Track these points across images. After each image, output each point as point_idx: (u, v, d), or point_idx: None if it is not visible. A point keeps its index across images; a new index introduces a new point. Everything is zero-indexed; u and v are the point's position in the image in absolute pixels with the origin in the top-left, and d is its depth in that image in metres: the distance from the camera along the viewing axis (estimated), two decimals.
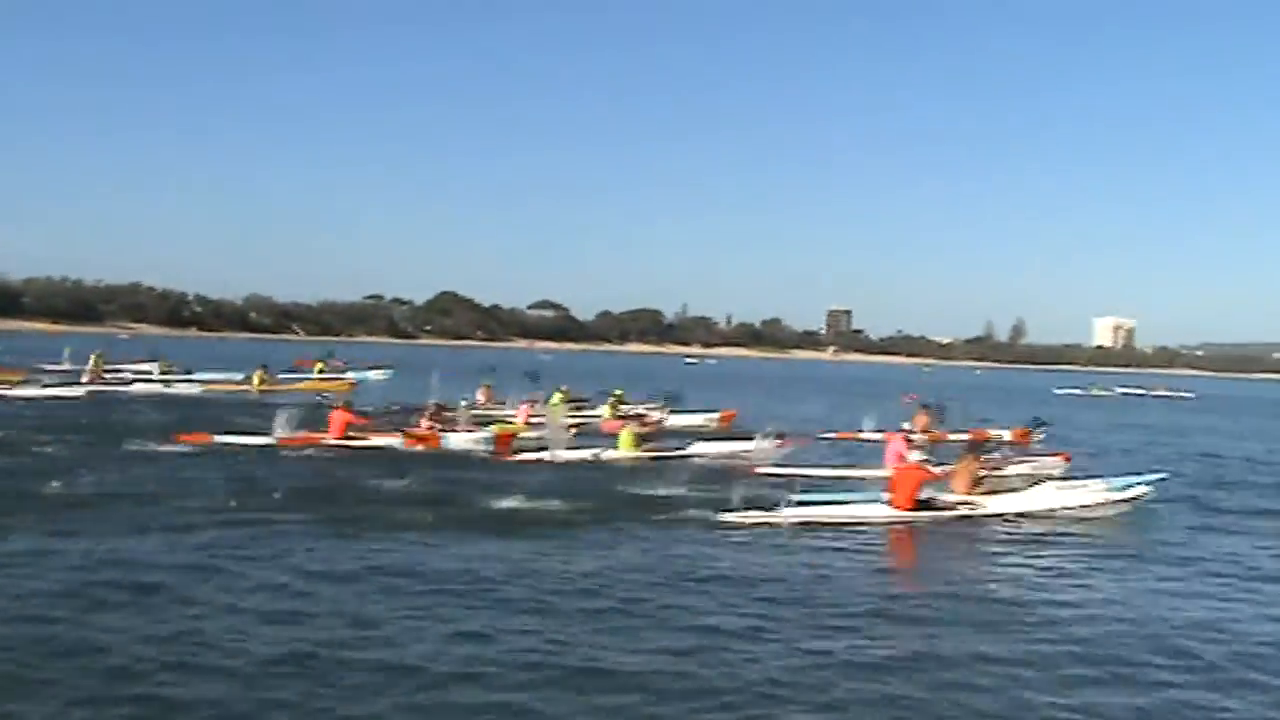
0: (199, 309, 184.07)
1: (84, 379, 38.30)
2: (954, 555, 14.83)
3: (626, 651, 9.40)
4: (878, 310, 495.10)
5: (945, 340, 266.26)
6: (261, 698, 7.98)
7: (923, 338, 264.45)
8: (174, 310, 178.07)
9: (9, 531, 13.14)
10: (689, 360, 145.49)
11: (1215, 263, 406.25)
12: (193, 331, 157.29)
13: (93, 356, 48.65)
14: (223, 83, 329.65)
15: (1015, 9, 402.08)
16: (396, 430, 24.30)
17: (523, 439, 24.63)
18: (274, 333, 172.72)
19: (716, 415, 31.94)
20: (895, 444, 20.67)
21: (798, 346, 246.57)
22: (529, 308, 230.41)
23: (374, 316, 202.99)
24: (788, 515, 15.85)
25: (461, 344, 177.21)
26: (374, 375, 49.77)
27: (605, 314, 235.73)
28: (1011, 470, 19.35)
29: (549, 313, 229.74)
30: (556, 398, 31.86)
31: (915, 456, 17.58)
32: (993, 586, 12.76)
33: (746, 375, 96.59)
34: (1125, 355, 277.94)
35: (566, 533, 14.73)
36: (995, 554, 14.90)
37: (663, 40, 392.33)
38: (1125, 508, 17.91)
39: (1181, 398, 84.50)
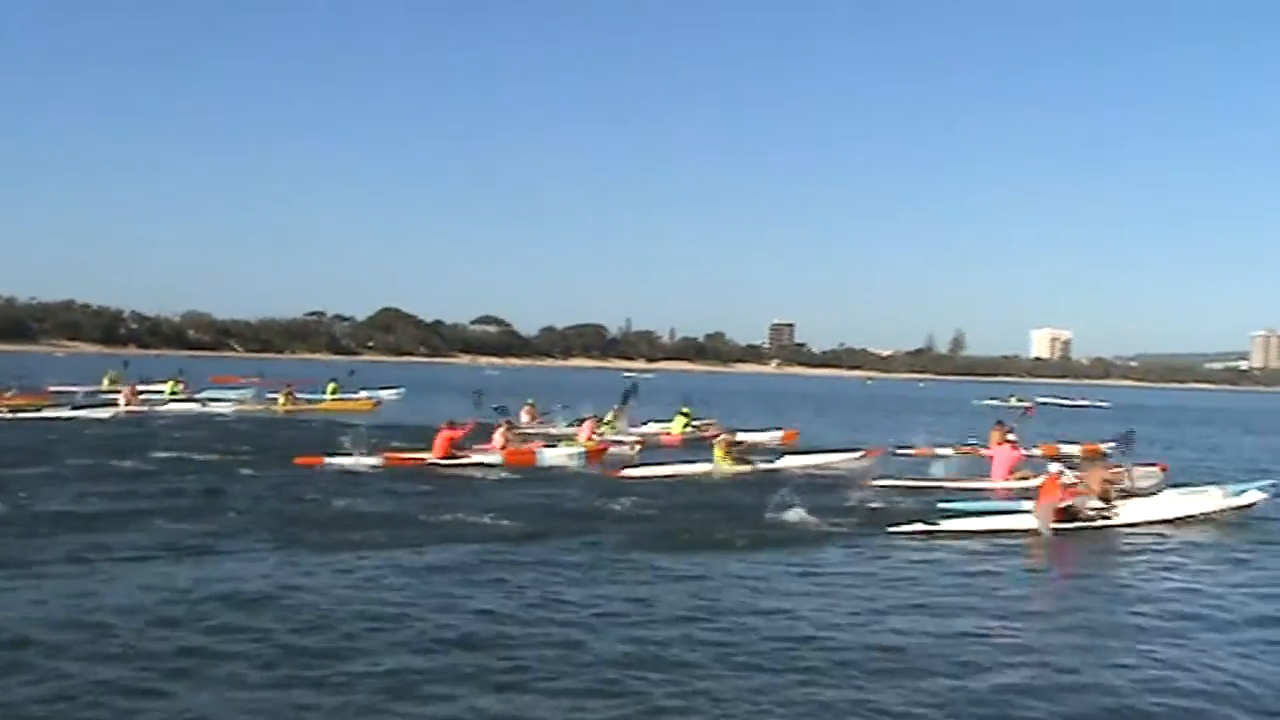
0: (135, 326, 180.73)
1: (120, 401, 38.17)
2: (1104, 562, 15.34)
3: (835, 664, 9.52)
4: (820, 323, 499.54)
5: (886, 353, 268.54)
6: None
7: (864, 350, 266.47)
8: (109, 328, 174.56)
9: (180, 555, 13.27)
10: (627, 374, 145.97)
11: (1149, 276, 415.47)
12: (131, 349, 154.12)
13: (107, 377, 48.73)
14: (157, 96, 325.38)
15: (954, 34, 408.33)
16: (496, 448, 25.01)
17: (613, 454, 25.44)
18: (213, 350, 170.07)
19: (780, 434, 31.88)
20: (1003, 457, 21.62)
21: (740, 360, 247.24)
22: (472, 323, 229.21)
23: (315, 333, 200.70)
24: (946, 526, 16.60)
25: (404, 360, 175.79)
26: (386, 394, 49.43)
27: (549, 329, 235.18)
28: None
29: (492, 328, 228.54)
30: (610, 415, 31.85)
31: (1054, 468, 18.01)
32: (1146, 596, 12.92)
33: (684, 389, 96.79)
34: (1062, 366, 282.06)
35: (727, 545, 15.01)
36: (1141, 560, 15.38)
37: (607, 59, 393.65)
38: (1243, 513, 18.43)
39: (1098, 407, 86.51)
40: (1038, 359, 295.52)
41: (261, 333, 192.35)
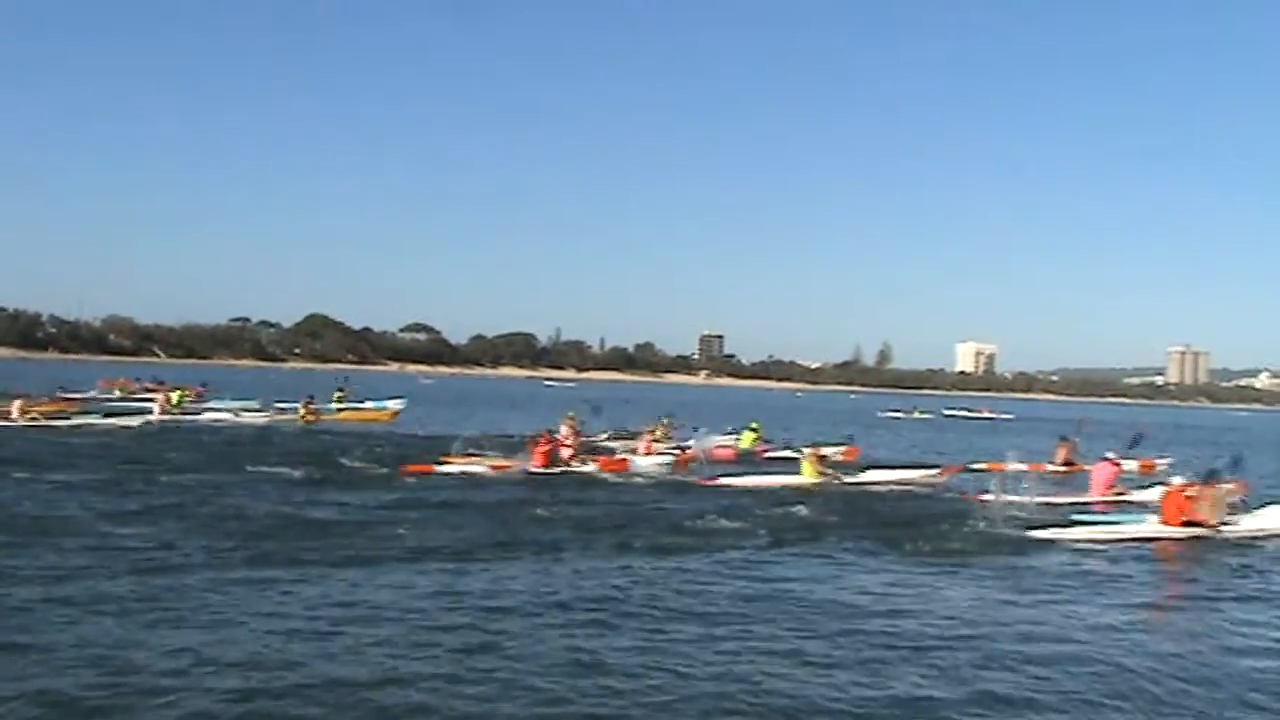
0: (53, 330, 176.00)
1: (155, 409, 38.18)
2: (1235, 568, 16.11)
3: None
4: (749, 335, 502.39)
5: (815, 365, 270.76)
6: None
7: (793, 362, 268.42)
8: (26, 332, 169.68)
9: (295, 564, 13.24)
10: (548, 383, 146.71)
11: (1071, 293, 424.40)
12: (51, 353, 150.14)
13: (118, 386, 47.81)
14: (75, 90, 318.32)
15: (891, 62, 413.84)
16: (592, 457, 26.27)
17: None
18: (134, 355, 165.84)
19: (842, 449, 31.93)
20: (1102, 472, 22.67)
21: (670, 370, 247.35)
22: (401, 330, 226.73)
23: (239, 339, 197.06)
24: (1083, 534, 17.75)
25: (331, 367, 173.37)
26: (392, 405, 48.57)
27: (479, 338, 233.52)
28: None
29: (421, 336, 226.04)
30: (659, 430, 32.06)
31: (1177, 480, 19.03)
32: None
33: (609, 398, 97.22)
34: (986, 380, 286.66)
35: (878, 555, 15.71)
36: (1265, 570, 16.17)
37: (541, 72, 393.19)
38: None
39: (1002, 418, 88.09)
40: (963, 373, 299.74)
41: (185, 338, 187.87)
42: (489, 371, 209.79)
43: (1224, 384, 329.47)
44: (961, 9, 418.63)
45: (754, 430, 33.22)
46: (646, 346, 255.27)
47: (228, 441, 30.39)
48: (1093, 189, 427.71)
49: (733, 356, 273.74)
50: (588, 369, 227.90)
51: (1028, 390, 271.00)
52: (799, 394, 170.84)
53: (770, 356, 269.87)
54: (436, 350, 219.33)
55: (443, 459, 24.61)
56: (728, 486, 23.34)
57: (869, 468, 26.77)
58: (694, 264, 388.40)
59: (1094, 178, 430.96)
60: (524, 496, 20.65)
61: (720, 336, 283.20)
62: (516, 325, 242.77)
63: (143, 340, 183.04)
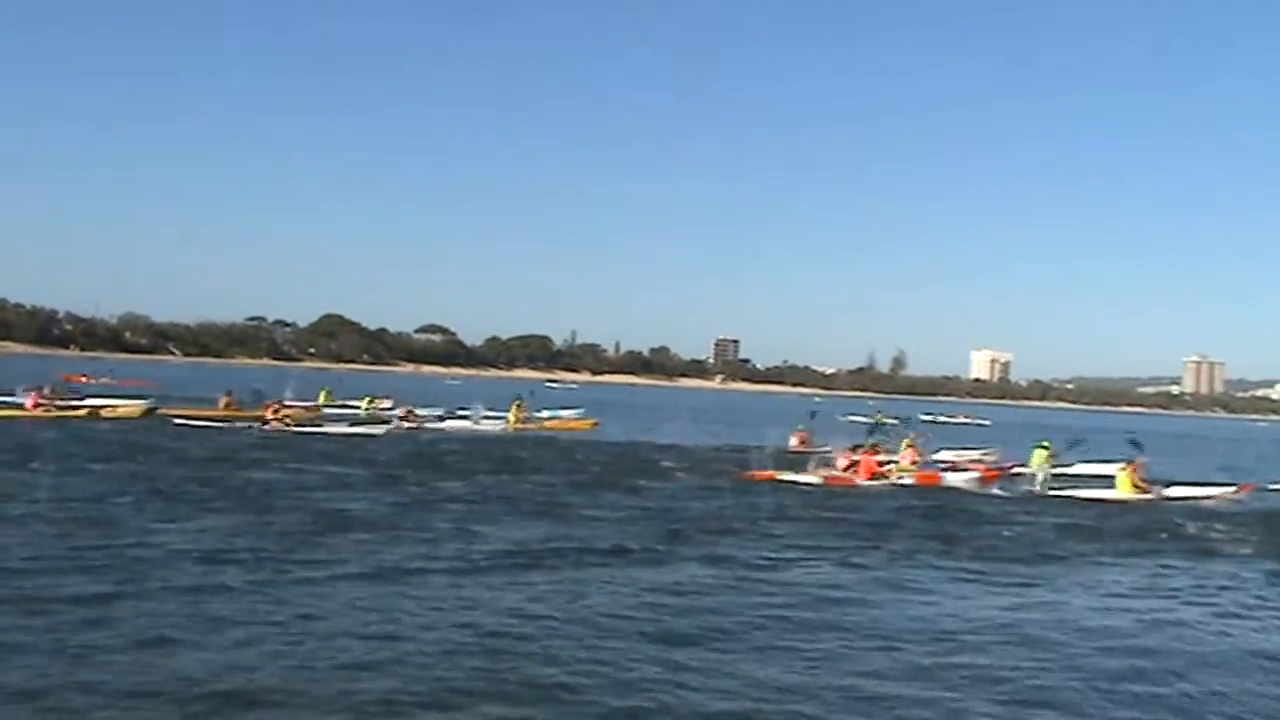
0: (69, 327, 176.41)
1: (397, 418, 39.70)
2: None
3: None
4: (764, 340, 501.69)
5: (829, 370, 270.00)
6: None
7: (807, 368, 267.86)
8: (43, 329, 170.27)
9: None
10: (549, 384, 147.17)
11: (1087, 302, 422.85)
12: (73, 350, 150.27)
13: (323, 393, 49.07)
14: (92, 92, 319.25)
15: (905, 70, 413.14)
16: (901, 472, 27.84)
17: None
18: (150, 353, 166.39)
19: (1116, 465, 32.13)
20: None
21: (685, 375, 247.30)
22: (416, 331, 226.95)
23: (255, 338, 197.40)
24: None
25: (346, 368, 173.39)
26: (566, 414, 48.11)
27: (494, 339, 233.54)
28: None
29: (437, 337, 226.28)
30: (905, 443, 32.26)
31: None
32: None
33: (612, 401, 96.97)
34: (1000, 388, 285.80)
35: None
36: None
37: (561, 76, 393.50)
38: None
39: (978, 424, 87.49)
40: (977, 380, 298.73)
41: (201, 337, 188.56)
42: (504, 373, 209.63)
43: (1240, 394, 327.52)
44: (977, 11, 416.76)
45: (1045, 448, 33.02)
46: (661, 350, 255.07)
47: (533, 447, 33.24)
48: (1108, 196, 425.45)
49: (748, 361, 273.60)
50: (603, 372, 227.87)
51: (1042, 398, 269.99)
52: (818, 399, 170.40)
53: (784, 361, 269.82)
54: (451, 351, 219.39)
55: (781, 470, 26.89)
56: (1056, 499, 24.76)
57: (1173, 484, 27.51)
58: (710, 268, 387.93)
59: (1110, 185, 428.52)
60: (880, 507, 22.19)
61: (736, 341, 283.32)
62: (531, 327, 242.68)
63: (158, 338, 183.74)
